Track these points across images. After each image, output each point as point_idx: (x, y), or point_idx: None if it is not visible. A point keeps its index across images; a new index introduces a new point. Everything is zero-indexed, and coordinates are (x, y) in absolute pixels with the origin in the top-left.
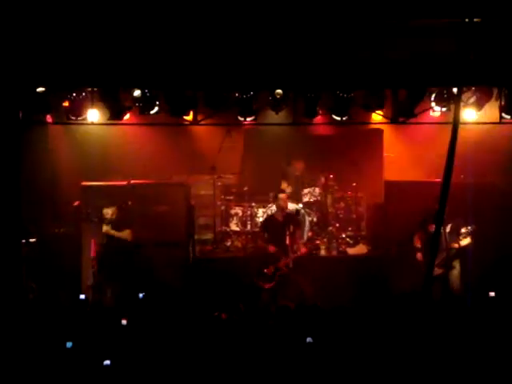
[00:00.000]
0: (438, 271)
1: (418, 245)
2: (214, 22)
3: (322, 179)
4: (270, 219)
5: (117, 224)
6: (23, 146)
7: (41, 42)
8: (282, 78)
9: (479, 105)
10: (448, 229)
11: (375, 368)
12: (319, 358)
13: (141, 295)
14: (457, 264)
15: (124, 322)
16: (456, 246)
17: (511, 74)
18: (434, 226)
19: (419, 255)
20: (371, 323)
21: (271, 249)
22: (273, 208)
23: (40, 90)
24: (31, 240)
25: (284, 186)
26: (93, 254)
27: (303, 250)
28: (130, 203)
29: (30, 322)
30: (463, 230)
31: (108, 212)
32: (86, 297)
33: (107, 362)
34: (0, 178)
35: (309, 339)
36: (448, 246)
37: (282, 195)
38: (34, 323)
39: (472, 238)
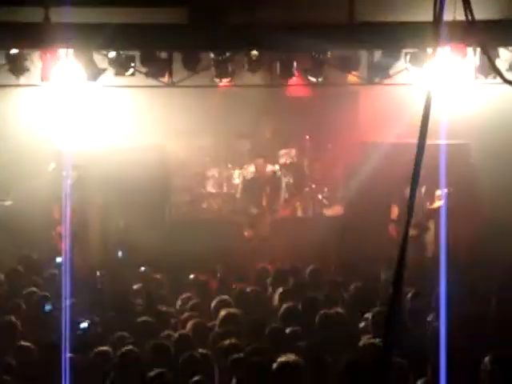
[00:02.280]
0: (412, 232)
1: (394, 216)
2: None
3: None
4: (248, 181)
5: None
6: None
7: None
8: (258, 38)
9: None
10: (423, 190)
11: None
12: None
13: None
14: (431, 225)
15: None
16: (430, 207)
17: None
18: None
19: (391, 228)
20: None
21: (248, 234)
22: (249, 170)
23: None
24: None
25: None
26: (56, 216)
27: (284, 211)
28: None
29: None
30: (438, 192)
31: (74, 174)
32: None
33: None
34: None
35: None
36: (423, 207)
37: (258, 160)
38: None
39: (445, 200)
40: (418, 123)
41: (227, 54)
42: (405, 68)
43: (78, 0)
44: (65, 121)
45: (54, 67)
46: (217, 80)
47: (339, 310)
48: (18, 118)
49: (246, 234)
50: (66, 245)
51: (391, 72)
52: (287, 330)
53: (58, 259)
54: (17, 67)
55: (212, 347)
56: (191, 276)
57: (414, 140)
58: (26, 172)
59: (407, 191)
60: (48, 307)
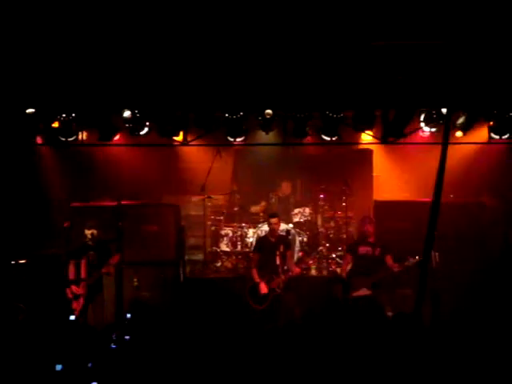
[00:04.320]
0: (365, 291)
1: (348, 266)
2: (203, 43)
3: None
4: (262, 240)
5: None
6: (13, 168)
7: (30, 64)
8: (272, 98)
9: (468, 125)
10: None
11: None
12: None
13: (128, 316)
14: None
15: (113, 345)
16: (395, 269)
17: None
18: (362, 249)
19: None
20: (361, 344)
21: (263, 290)
22: (263, 228)
23: (29, 111)
24: (21, 261)
25: (259, 207)
26: (71, 276)
27: (296, 270)
28: (120, 224)
29: (19, 343)
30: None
31: (88, 233)
32: (75, 318)
33: None
34: None
35: None
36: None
37: (273, 219)
38: (24, 344)
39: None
40: (433, 181)
41: (241, 113)
42: (419, 127)
43: None
44: (79, 178)
45: (69, 126)
46: (230, 139)
47: None
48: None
49: (262, 290)
50: (79, 303)
51: (406, 131)
52: None
53: (72, 317)
54: None
55: None
56: None
57: (429, 198)
58: (42, 229)
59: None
60: (59, 367)
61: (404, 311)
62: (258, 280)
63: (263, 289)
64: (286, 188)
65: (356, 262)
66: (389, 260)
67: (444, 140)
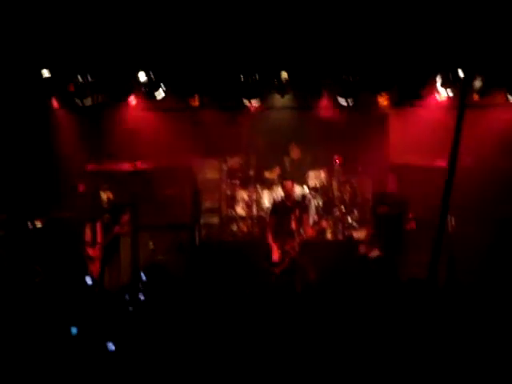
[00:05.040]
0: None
1: (363, 236)
2: (220, 5)
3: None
4: (278, 204)
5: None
6: (30, 131)
7: (46, 26)
8: (288, 61)
9: (485, 89)
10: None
11: (379, 353)
12: (324, 343)
13: (143, 277)
14: None
15: (129, 307)
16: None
17: None
18: (383, 208)
19: (362, 247)
20: (375, 307)
21: (275, 256)
22: (279, 192)
23: (45, 73)
24: (37, 224)
25: (274, 173)
26: (87, 238)
27: (311, 232)
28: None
29: (35, 305)
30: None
31: (104, 196)
32: (92, 281)
33: (112, 347)
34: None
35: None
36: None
37: (286, 183)
38: (40, 306)
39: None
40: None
41: (257, 76)
42: (435, 90)
43: None
44: (95, 141)
45: (84, 89)
46: (246, 102)
47: None
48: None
49: (274, 256)
50: (95, 266)
51: (421, 94)
52: None
53: (88, 279)
54: None
55: None
56: None
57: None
58: (58, 192)
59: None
60: (75, 330)
61: (417, 277)
62: (272, 244)
63: (275, 254)
64: (294, 152)
65: (376, 222)
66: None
67: (461, 103)
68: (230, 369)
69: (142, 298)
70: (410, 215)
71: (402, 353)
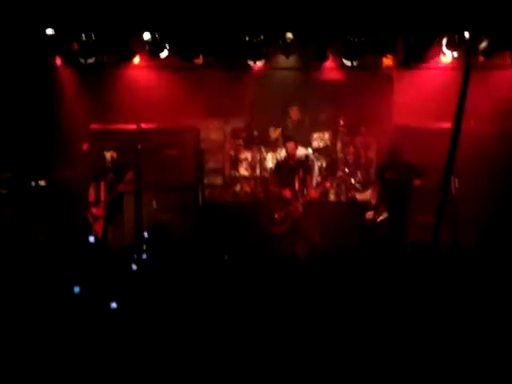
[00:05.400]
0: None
1: (373, 200)
2: None
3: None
4: (282, 163)
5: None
6: (33, 89)
7: None
8: (293, 21)
9: (491, 50)
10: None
11: (383, 317)
12: (328, 307)
13: (145, 235)
14: None
15: (133, 266)
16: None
17: None
18: (390, 173)
19: (369, 214)
20: (378, 270)
21: (287, 193)
22: (282, 153)
23: (49, 32)
24: (40, 182)
25: (277, 132)
26: (91, 197)
27: (314, 193)
28: (139, 147)
29: (39, 263)
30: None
31: (108, 155)
32: (95, 239)
33: (114, 306)
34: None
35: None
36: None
37: (289, 144)
38: (44, 265)
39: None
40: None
41: (262, 37)
42: (441, 51)
43: None
44: (98, 101)
45: (89, 47)
46: (251, 62)
47: None
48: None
49: (276, 216)
50: (99, 225)
51: (427, 55)
52: None
53: (91, 238)
54: None
55: None
56: None
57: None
58: (62, 151)
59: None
60: (77, 289)
61: (422, 239)
62: (280, 188)
63: (287, 193)
64: (294, 113)
65: (383, 186)
66: (417, 183)
67: (466, 65)
68: (229, 332)
69: (145, 257)
70: (418, 182)
71: (408, 323)
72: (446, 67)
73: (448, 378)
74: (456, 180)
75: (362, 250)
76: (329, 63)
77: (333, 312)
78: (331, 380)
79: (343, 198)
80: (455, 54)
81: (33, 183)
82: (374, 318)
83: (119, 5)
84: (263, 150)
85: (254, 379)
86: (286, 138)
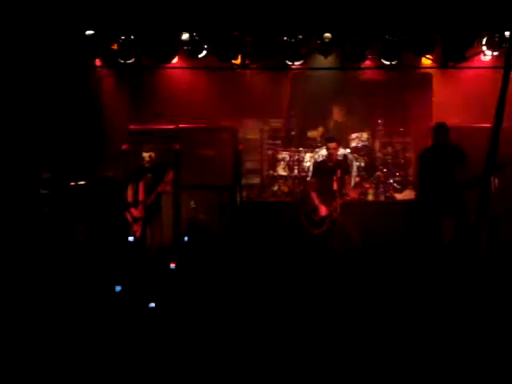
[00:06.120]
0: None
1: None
2: None
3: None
4: (319, 165)
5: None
6: (73, 90)
7: None
8: (331, 21)
9: None
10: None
11: (420, 312)
12: (364, 302)
13: (186, 239)
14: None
15: (172, 265)
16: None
17: None
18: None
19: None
20: (416, 268)
21: (323, 211)
22: (320, 153)
23: (89, 33)
24: (80, 183)
25: (318, 132)
26: (130, 198)
27: (353, 194)
28: (177, 147)
29: (78, 262)
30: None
31: (146, 155)
32: (134, 239)
33: (152, 305)
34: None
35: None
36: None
37: (331, 144)
38: (83, 264)
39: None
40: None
41: (300, 37)
42: (480, 51)
43: None
44: (137, 101)
45: (128, 49)
46: (289, 63)
47: None
48: (97, 96)
49: (315, 218)
50: (138, 226)
51: (466, 55)
52: None
53: (130, 239)
54: None
55: None
56: None
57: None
58: (101, 151)
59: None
60: (118, 288)
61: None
62: (318, 203)
63: (323, 211)
64: (337, 114)
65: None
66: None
67: (506, 64)
68: (267, 328)
69: (184, 257)
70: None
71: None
72: (485, 66)
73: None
74: (496, 179)
75: (399, 247)
76: (367, 62)
77: (366, 306)
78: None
79: (382, 198)
80: (495, 53)
81: (72, 183)
82: (407, 314)
83: (158, 6)
84: (301, 149)
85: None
86: (327, 139)
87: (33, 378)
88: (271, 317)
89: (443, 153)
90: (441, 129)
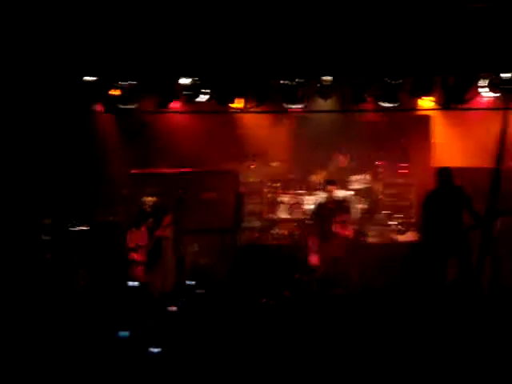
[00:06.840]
0: None
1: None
2: (261, 10)
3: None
4: (321, 206)
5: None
6: (74, 135)
7: (92, 33)
8: (331, 65)
9: None
10: None
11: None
12: (367, 345)
13: (189, 282)
14: None
15: (173, 308)
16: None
17: None
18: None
19: None
20: (420, 309)
21: (314, 260)
22: (321, 195)
23: (90, 79)
24: (82, 228)
25: (320, 176)
26: (131, 243)
27: (348, 232)
28: (181, 191)
29: (80, 308)
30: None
31: (148, 200)
32: (136, 285)
33: (155, 351)
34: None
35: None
36: None
37: (331, 187)
38: (85, 309)
39: None
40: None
41: (297, 80)
42: (479, 93)
43: None
44: (137, 146)
45: (129, 94)
46: (287, 106)
47: None
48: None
49: (312, 260)
50: (140, 270)
51: (466, 97)
52: None
53: (132, 284)
54: None
55: None
56: None
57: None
58: (102, 196)
59: None
60: (125, 333)
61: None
62: (311, 248)
63: (314, 259)
64: (343, 161)
65: None
66: None
67: (505, 105)
68: (270, 373)
69: (186, 302)
70: None
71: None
72: (486, 108)
73: None
74: (499, 221)
75: (402, 288)
76: (367, 105)
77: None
78: None
79: (384, 239)
80: (494, 94)
81: (73, 228)
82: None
83: (157, 52)
84: (302, 193)
85: None
86: (327, 182)
87: None
88: (273, 361)
89: (448, 195)
90: (444, 172)
